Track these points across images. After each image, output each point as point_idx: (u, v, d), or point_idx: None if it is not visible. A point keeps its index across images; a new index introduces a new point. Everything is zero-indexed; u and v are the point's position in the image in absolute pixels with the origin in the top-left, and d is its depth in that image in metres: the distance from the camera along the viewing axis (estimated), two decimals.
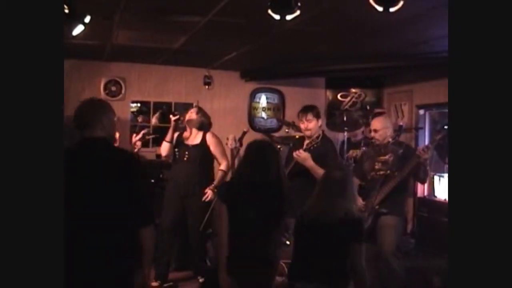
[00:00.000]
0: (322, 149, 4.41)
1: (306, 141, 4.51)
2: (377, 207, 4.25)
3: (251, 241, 2.97)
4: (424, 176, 4.31)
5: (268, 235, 3.02)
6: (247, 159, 3.18)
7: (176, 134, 5.08)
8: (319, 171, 4.20)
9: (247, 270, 2.95)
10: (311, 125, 4.51)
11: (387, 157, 4.31)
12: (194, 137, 5.09)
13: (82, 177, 2.41)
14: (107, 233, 2.40)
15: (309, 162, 4.27)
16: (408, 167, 4.14)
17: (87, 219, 2.38)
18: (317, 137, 4.47)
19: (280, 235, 3.14)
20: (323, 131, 4.68)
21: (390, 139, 4.43)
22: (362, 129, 6.77)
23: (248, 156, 3.19)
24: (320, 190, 3.19)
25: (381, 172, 4.32)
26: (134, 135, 5.72)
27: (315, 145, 4.39)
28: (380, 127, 4.43)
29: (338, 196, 3.08)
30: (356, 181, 4.65)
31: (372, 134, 4.50)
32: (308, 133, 4.54)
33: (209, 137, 5.07)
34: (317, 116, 4.58)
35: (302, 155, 4.32)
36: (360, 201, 4.36)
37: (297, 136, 5.82)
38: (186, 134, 5.13)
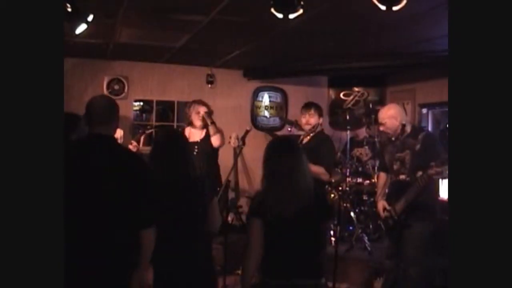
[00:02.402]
0: (313, 143, 4.39)
1: (304, 142, 4.52)
2: (402, 216, 3.95)
3: (171, 243, 2.83)
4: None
5: (188, 236, 2.86)
6: (153, 155, 3.02)
7: None
8: (312, 168, 4.17)
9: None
10: (312, 120, 4.52)
11: (403, 154, 4.02)
12: (199, 133, 5.14)
13: (90, 173, 2.41)
14: (108, 232, 2.41)
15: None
16: (427, 176, 3.75)
17: (89, 216, 2.38)
18: (312, 132, 4.48)
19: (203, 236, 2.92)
20: (322, 129, 4.68)
21: (406, 133, 4.06)
22: (364, 127, 6.78)
23: (154, 151, 3.04)
24: (274, 176, 2.74)
25: (402, 177, 4.02)
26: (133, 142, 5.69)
27: (308, 140, 4.38)
28: (385, 118, 4.09)
29: (298, 178, 2.70)
30: (382, 176, 4.38)
31: (381, 128, 4.18)
32: (307, 127, 4.55)
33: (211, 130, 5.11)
34: (319, 113, 4.59)
35: None
36: (385, 206, 4.11)
37: (289, 129, 5.85)
38: (188, 132, 5.14)
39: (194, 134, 5.13)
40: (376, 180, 4.57)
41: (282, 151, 2.80)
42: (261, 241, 2.68)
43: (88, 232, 2.37)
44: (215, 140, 5.09)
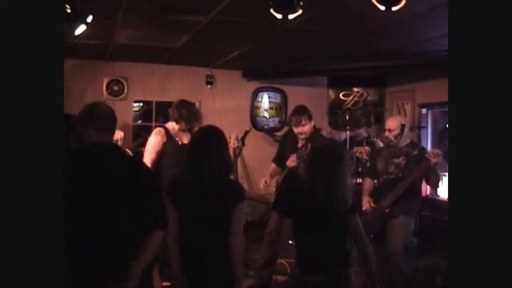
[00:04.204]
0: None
1: (299, 144, 4.53)
2: (386, 210, 4.23)
3: (199, 245, 2.80)
4: (434, 181, 4.30)
5: (218, 239, 2.80)
6: (188, 152, 2.95)
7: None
8: None
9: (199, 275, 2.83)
10: (305, 129, 4.52)
11: (400, 159, 4.31)
12: (184, 137, 4.72)
13: (99, 181, 2.41)
14: (119, 236, 2.42)
15: (301, 171, 4.19)
16: (418, 171, 4.14)
17: (99, 222, 2.39)
18: (309, 139, 4.49)
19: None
20: (315, 128, 4.68)
21: (405, 141, 4.44)
22: (364, 128, 6.79)
23: (192, 148, 2.96)
24: (311, 176, 3.08)
25: (393, 176, 4.32)
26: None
27: (303, 143, 4.42)
28: (395, 127, 4.41)
29: (331, 176, 2.99)
30: (368, 182, 4.67)
31: (387, 134, 4.48)
32: (302, 136, 4.55)
33: None
34: (310, 118, 4.57)
35: (294, 164, 4.35)
36: (370, 204, 4.38)
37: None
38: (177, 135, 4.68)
39: (183, 136, 4.66)
40: (362, 184, 4.74)
41: (319, 155, 3.13)
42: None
43: (99, 235, 2.38)
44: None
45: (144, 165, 2.92)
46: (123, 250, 2.43)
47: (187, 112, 4.53)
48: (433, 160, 4.00)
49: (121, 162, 2.55)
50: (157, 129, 4.66)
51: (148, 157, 4.42)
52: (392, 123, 4.47)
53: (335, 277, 3.00)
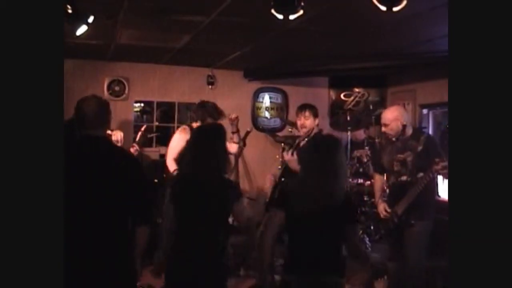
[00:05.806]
0: None
1: (301, 144, 4.51)
2: (403, 217, 3.98)
3: (195, 243, 2.84)
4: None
5: (212, 235, 2.84)
6: (189, 149, 3.06)
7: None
8: None
9: (190, 273, 2.85)
10: (308, 122, 4.51)
11: (404, 155, 4.03)
12: None
13: (87, 174, 2.44)
14: (105, 230, 2.44)
15: (293, 164, 3.96)
16: (427, 177, 3.84)
17: (86, 216, 2.41)
18: (309, 135, 4.46)
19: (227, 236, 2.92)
20: (320, 130, 4.67)
21: (406, 134, 4.09)
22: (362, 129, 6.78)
23: (190, 146, 3.07)
24: (304, 172, 2.85)
25: (403, 178, 4.04)
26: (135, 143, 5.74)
27: (305, 143, 4.38)
28: (390, 120, 4.08)
29: (325, 175, 2.74)
30: (379, 179, 4.48)
31: (383, 129, 4.16)
32: (304, 130, 4.53)
33: None
34: (315, 115, 4.56)
35: (287, 158, 4.17)
36: (386, 208, 4.16)
37: (290, 130, 5.87)
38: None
39: None
40: (374, 182, 4.60)
41: (312, 150, 2.92)
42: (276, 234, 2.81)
43: (86, 230, 2.40)
44: (234, 147, 5.12)
45: (133, 157, 2.97)
46: (114, 243, 2.45)
47: (192, 111, 5.05)
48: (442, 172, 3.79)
49: (110, 154, 2.57)
50: (182, 126, 5.15)
51: (171, 153, 4.82)
52: (387, 115, 4.14)
53: (320, 283, 2.74)
